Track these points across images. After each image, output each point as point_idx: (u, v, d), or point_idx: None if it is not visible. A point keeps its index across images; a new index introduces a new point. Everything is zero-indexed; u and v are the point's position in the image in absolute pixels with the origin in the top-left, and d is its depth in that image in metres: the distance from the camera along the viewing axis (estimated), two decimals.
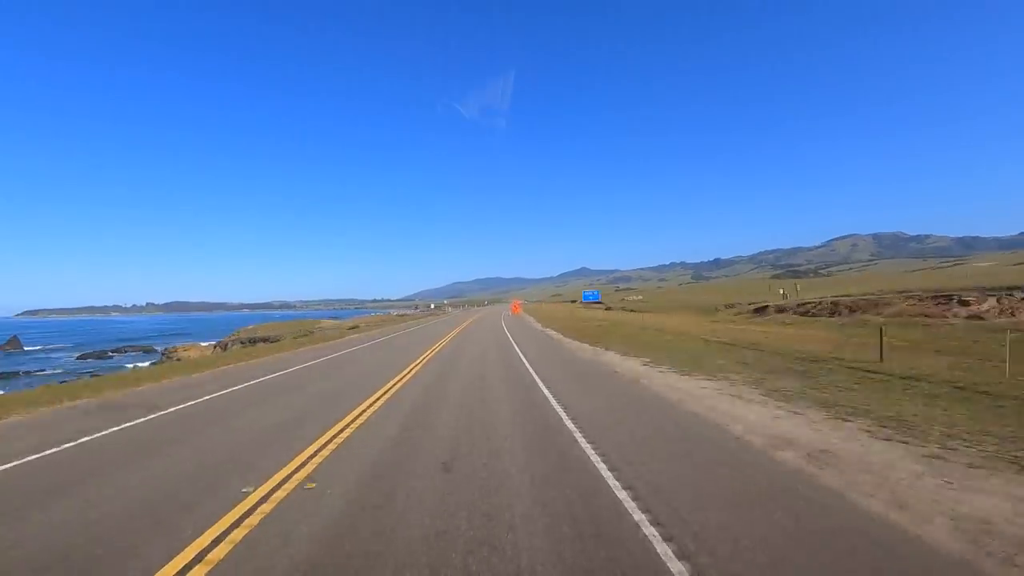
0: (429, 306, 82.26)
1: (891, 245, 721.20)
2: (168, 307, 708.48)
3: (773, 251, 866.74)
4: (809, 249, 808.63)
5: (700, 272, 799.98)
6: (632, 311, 42.91)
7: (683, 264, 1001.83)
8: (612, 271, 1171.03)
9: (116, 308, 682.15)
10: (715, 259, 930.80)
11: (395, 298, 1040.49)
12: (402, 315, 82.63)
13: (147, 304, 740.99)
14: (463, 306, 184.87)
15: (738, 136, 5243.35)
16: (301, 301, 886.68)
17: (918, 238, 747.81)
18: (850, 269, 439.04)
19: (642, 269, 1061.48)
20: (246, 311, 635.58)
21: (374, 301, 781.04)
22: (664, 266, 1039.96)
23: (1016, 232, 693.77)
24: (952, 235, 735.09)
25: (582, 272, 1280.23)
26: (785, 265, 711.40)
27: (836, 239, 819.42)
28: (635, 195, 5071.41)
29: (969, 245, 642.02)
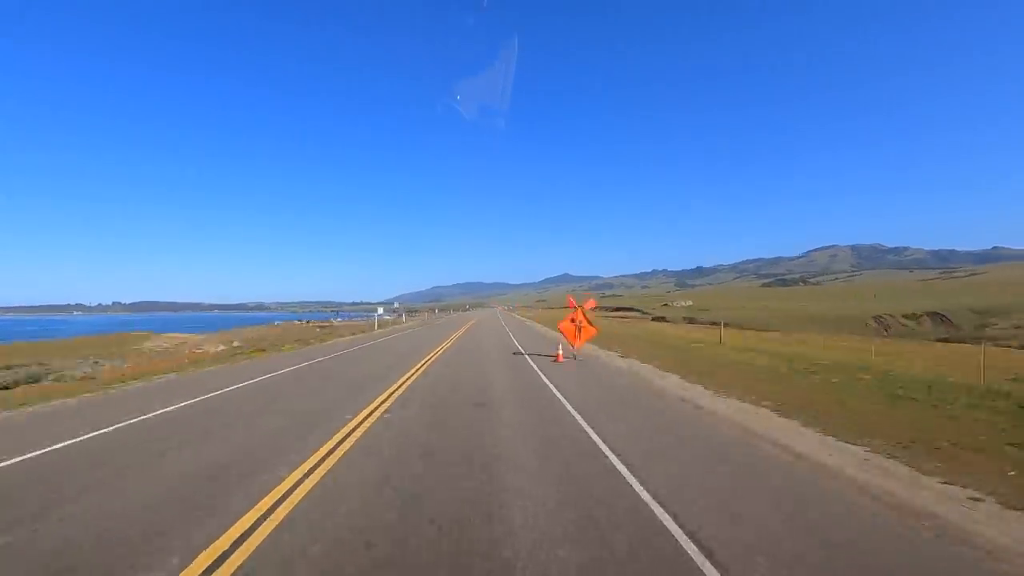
0: (377, 311, 61.16)
1: (869, 257, 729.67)
2: (135, 307, 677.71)
3: (755, 260, 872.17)
4: (790, 259, 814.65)
5: (683, 280, 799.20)
6: (716, 323, 25.43)
7: (664, 272, 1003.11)
8: (594, 278, 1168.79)
9: (79, 307, 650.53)
10: (697, 267, 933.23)
11: (376, 300, 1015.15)
12: (325, 325, 59.34)
13: (113, 303, 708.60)
14: (432, 311, 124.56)
15: (721, 144, 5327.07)
16: (278, 303, 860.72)
17: (895, 250, 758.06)
18: (836, 279, 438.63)
19: (623, 276, 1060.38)
20: (216, 312, 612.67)
21: (352, 304, 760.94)
22: (645, 273, 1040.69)
23: (990, 246, 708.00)
24: (928, 248, 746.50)
25: (565, 278, 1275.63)
26: (768, 274, 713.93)
27: (815, 250, 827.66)
28: (618, 203, 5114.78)
29: (945, 258, 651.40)
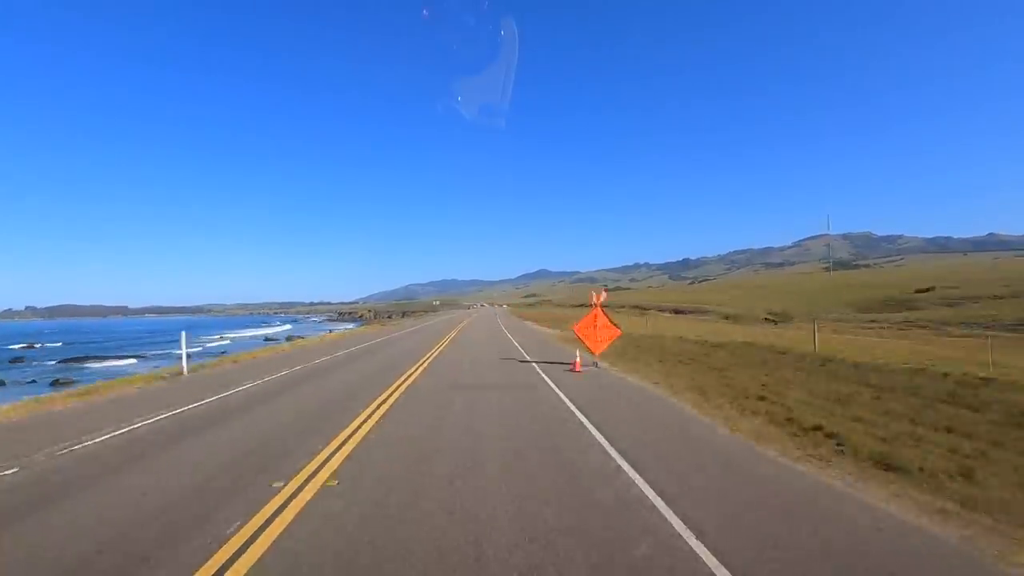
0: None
1: (864, 245, 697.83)
2: (53, 312, 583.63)
3: (744, 251, 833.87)
4: (781, 249, 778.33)
5: (674, 272, 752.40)
6: None
7: (648, 265, 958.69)
8: (573, 272, 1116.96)
9: None
10: (684, 259, 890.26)
11: (347, 300, 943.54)
12: None
13: (26, 308, 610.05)
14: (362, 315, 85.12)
15: (703, 133, 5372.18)
16: (239, 304, 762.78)
17: (889, 238, 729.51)
18: (878, 264, 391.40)
19: (605, 270, 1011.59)
20: (151, 316, 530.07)
21: (311, 304, 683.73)
22: (629, 267, 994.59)
23: (985, 232, 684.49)
24: (923, 236, 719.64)
25: (542, 274, 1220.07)
26: (761, 263, 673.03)
27: (807, 239, 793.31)
28: (594, 195, 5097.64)
29: (942, 245, 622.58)
